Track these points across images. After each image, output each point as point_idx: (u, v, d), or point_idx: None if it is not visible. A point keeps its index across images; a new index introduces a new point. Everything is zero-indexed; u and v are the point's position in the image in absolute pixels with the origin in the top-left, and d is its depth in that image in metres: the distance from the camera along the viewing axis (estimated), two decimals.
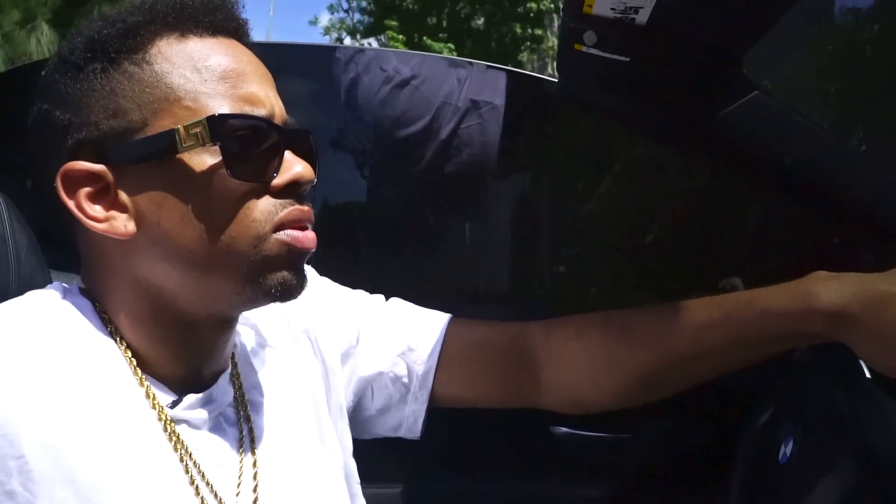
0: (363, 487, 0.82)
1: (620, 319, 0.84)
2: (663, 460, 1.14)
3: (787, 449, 0.79)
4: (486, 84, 1.31)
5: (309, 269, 0.81)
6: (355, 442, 0.84)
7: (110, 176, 0.59)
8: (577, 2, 0.74)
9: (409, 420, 0.88)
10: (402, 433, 0.89)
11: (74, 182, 0.59)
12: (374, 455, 0.88)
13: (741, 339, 0.75)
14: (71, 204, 0.59)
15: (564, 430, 1.13)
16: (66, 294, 0.64)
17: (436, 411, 0.88)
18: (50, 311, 0.61)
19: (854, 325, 0.68)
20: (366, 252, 1.35)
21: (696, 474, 1.10)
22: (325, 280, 0.88)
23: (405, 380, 0.86)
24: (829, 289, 0.70)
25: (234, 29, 0.63)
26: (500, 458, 1.17)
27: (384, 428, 0.89)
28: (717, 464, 1.01)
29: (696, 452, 1.12)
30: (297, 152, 0.63)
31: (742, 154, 0.98)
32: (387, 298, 0.92)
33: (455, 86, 1.29)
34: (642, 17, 0.74)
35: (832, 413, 0.78)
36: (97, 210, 0.59)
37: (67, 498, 0.54)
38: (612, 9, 0.73)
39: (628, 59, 0.81)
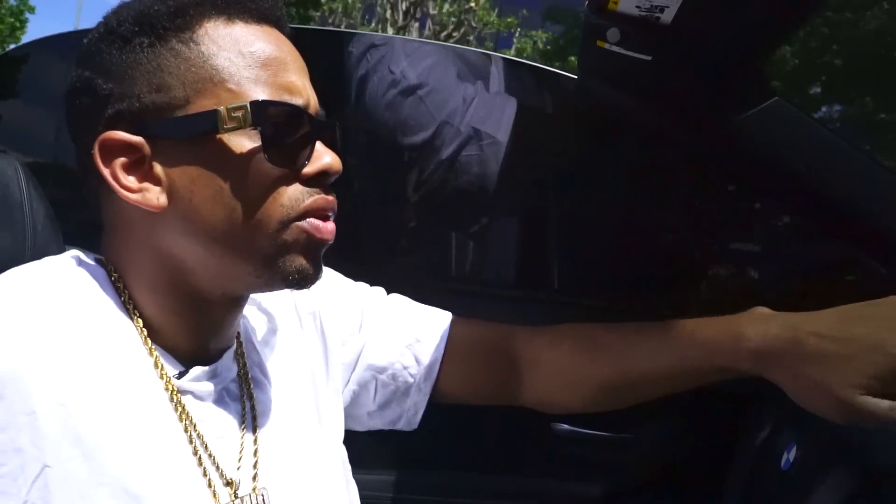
0: (359, 473, 0.83)
1: (588, 334, 0.88)
2: (664, 462, 1.15)
3: (789, 455, 0.79)
4: (492, 111, 1.30)
5: None
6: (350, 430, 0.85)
7: (147, 148, 0.60)
8: None
9: (409, 412, 0.89)
10: (400, 425, 0.90)
11: (111, 151, 0.60)
12: (370, 443, 0.89)
13: (684, 368, 0.78)
14: (106, 172, 0.60)
15: (566, 427, 1.13)
16: (81, 262, 0.65)
17: (436, 406, 0.89)
18: (65, 275, 0.62)
19: (778, 364, 0.70)
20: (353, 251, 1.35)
21: (697, 477, 1.10)
22: (330, 270, 0.90)
23: (412, 370, 0.87)
24: (758, 328, 0.72)
25: (276, 18, 0.65)
26: (499, 453, 1.18)
27: (383, 421, 0.90)
28: (717, 468, 1.01)
29: (696, 455, 1.13)
30: (325, 142, 0.64)
31: (758, 159, 0.98)
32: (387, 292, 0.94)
33: (460, 105, 1.28)
34: (667, 17, 0.74)
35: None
36: (131, 180, 0.60)
37: (74, 456, 0.55)
38: (638, 7, 0.73)
39: (650, 59, 0.81)
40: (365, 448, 0.86)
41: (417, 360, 0.88)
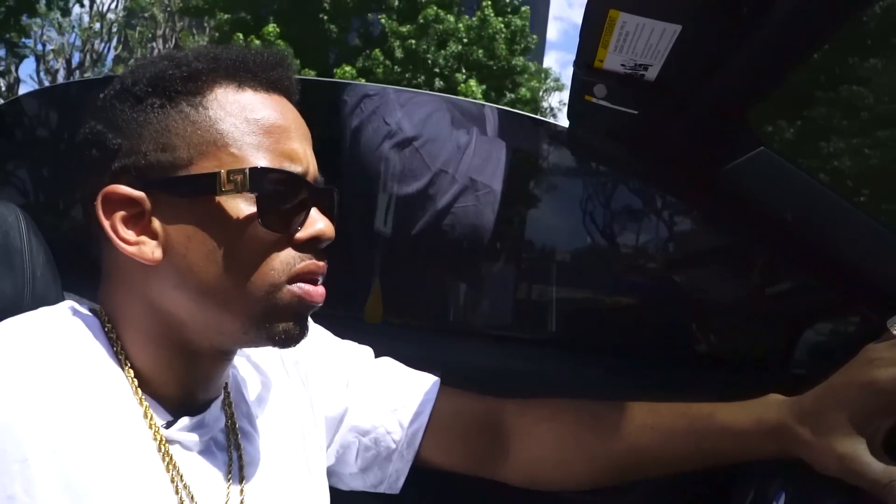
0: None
1: (593, 409, 0.88)
2: None
3: (779, 502, 0.79)
4: (489, 158, 1.31)
5: None
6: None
7: (148, 203, 0.63)
8: (588, 56, 0.76)
9: (391, 478, 0.90)
10: (382, 489, 0.91)
11: (113, 203, 0.63)
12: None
13: (700, 450, 0.81)
14: (106, 224, 0.63)
15: None
16: (76, 312, 0.67)
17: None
18: (59, 326, 0.64)
19: (795, 439, 0.73)
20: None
21: None
22: (319, 327, 0.91)
23: (395, 436, 0.88)
24: (773, 410, 0.76)
25: (285, 87, 0.68)
26: (489, 496, 1.17)
27: (365, 484, 0.91)
28: None
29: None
30: (321, 208, 0.67)
31: (745, 208, 1.00)
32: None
33: (455, 153, 1.30)
34: (651, 74, 0.76)
35: None
36: (130, 234, 0.63)
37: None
38: (623, 65, 0.75)
39: (637, 112, 0.84)
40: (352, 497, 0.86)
41: (401, 426, 0.88)
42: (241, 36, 13.40)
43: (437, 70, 13.54)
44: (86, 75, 17.09)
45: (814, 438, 0.71)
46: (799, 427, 0.73)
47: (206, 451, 0.68)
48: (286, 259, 0.64)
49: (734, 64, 0.76)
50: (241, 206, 0.63)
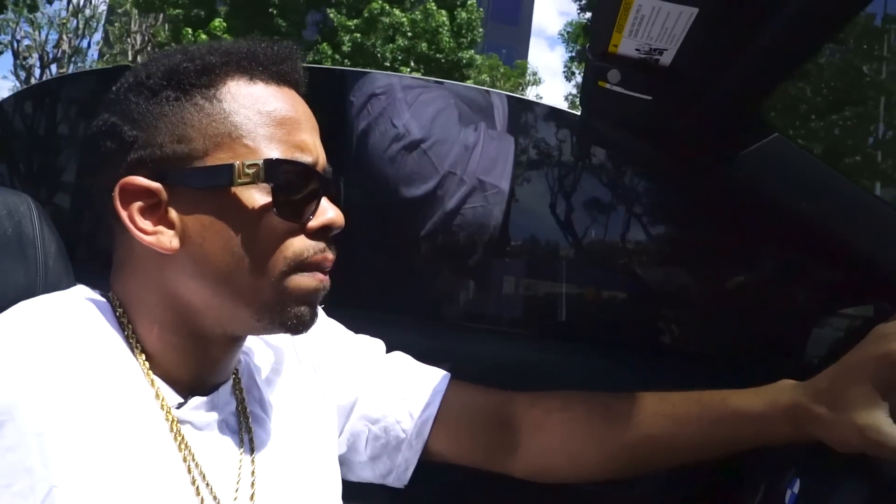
0: None
1: (605, 400, 0.89)
2: (665, 500, 1.14)
3: (793, 490, 0.79)
4: (498, 158, 1.31)
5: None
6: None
7: (165, 194, 0.64)
8: (602, 41, 0.76)
9: (399, 468, 0.90)
10: (390, 480, 0.92)
11: (130, 195, 0.64)
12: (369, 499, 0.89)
13: (713, 436, 0.81)
14: (124, 214, 0.64)
15: None
16: (88, 296, 0.69)
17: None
18: (72, 308, 0.66)
19: (812, 420, 0.73)
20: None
21: None
22: (332, 321, 0.92)
23: (404, 425, 0.89)
24: (787, 394, 0.77)
25: (294, 80, 0.70)
26: (498, 491, 1.17)
27: (374, 474, 0.92)
28: None
29: (701, 496, 1.12)
30: (330, 198, 0.69)
31: (759, 196, 0.99)
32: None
33: (462, 153, 1.30)
34: (666, 59, 0.76)
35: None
36: (147, 223, 0.64)
37: (80, 478, 0.57)
38: (637, 49, 0.75)
39: (650, 98, 0.83)
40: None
41: (411, 416, 0.89)
42: (189, 31, 13.48)
43: (386, 64, 13.60)
44: (61, 71, 17.26)
45: (832, 414, 0.72)
46: (816, 406, 0.73)
47: (217, 432, 0.69)
48: (300, 247, 0.66)
49: (750, 48, 0.75)
50: (257, 197, 0.64)
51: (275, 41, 0.70)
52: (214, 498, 0.65)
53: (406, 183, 1.31)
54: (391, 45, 13.97)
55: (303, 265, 0.66)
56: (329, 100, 1.37)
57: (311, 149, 0.67)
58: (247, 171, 0.63)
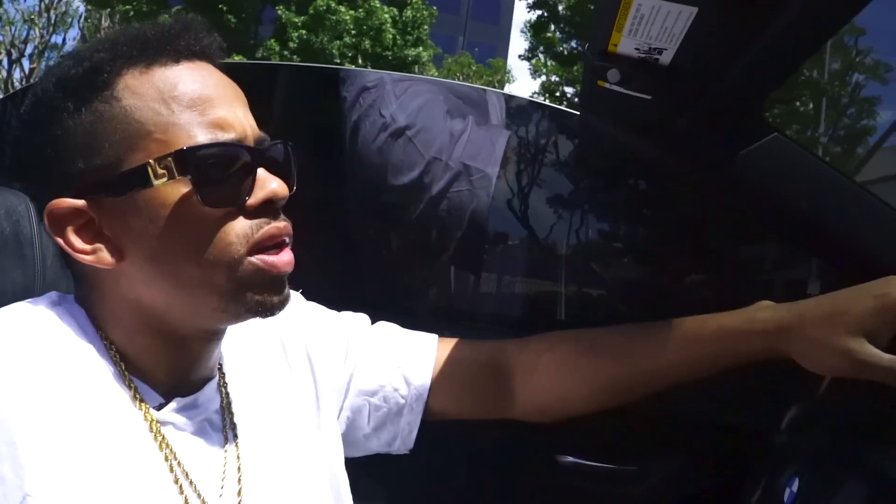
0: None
1: (590, 335, 0.92)
2: (670, 497, 1.14)
3: (792, 488, 0.79)
4: (485, 145, 1.31)
5: (296, 295, 0.87)
6: (348, 461, 0.86)
7: (93, 210, 0.62)
8: (602, 41, 0.76)
9: (403, 432, 0.91)
10: (396, 446, 0.92)
11: (61, 218, 0.62)
12: (368, 477, 0.89)
13: (693, 355, 0.84)
14: (60, 241, 0.62)
15: (570, 459, 1.13)
16: (60, 300, 0.67)
17: (437, 440, 0.90)
18: (42, 314, 0.64)
19: (786, 336, 0.77)
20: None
21: None
22: (313, 304, 0.92)
23: (402, 392, 0.90)
24: (767, 311, 0.81)
25: (199, 51, 0.65)
26: (502, 487, 1.17)
27: (379, 443, 0.92)
28: None
29: (703, 492, 1.12)
30: (272, 168, 0.65)
31: (759, 196, 0.99)
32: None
33: (448, 141, 1.30)
34: (666, 58, 0.75)
35: (837, 445, 0.79)
36: (83, 244, 0.62)
37: (55, 486, 0.56)
38: (637, 49, 0.75)
39: (650, 98, 0.83)
40: (359, 487, 0.86)
41: (407, 382, 0.90)
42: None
43: (336, 61, 13.62)
44: (32, 66, 17.28)
45: (818, 334, 0.75)
46: (801, 324, 0.76)
47: (200, 432, 0.68)
48: (242, 230, 0.63)
49: (750, 48, 0.75)
50: (179, 191, 0.61)
51: (173, 19, 0.65)
52: (199, 496, 0.64)
53: (394, 171, 1.32)
54: (338, 41, 13.95)
55: (257, 247, 0.63)
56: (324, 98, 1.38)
57: (231, 124, 0.62)
58: (161, 167, 0.60)
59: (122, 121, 0.60)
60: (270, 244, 0.64)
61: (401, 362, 0.90)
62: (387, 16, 14.35)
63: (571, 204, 1.37)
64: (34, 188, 0.65)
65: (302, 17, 14.09)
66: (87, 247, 0.62)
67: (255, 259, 0.63)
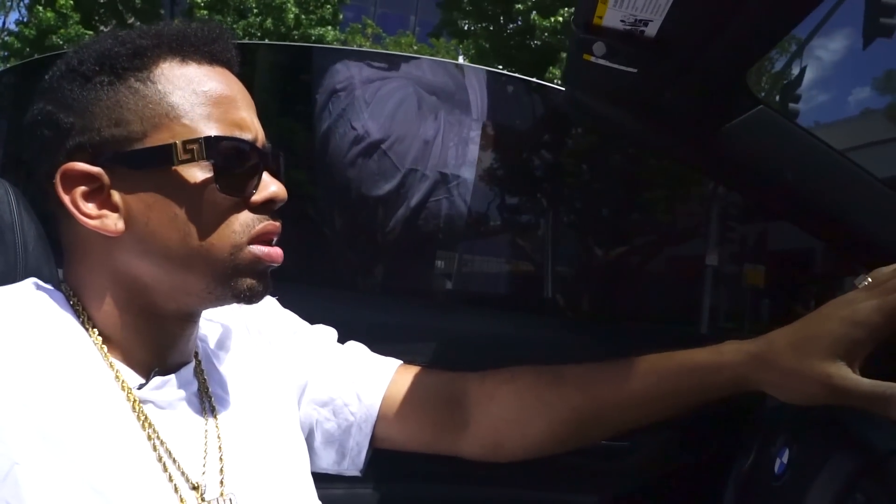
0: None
1: (553, 368, 0.91)
2: (661, 471, 1.15)
3: (782, 459, 0.80)
4: (458, 145, 1.31)
5: (271, 300, 0.91)
6: None
7: (106, 178, 0.65)
8: (587, 13, 0.75)
9: (352, 452, 0.91)
10: (345, 466, 0.92)
11: (72, 180, 0.65)
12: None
13: (658, 389, 0.84)
14: (67, 200, 0.65)
15: None
16: (39, 286, 0.69)
17: None
18: (23, 298, 0.67)
19: (756, 368, 0.78)
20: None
21: (692, 488, 1.11)
22: (287, 311, 0.95)
23: (353, 408, 0.90)
24: (733, 344, 0.82)
25: (227, 60, 0.71)
26: (493, 464, 1.17)
27: (328, 461, 0.92)
28: (715, 478, 1.01)
29: (692, 466, 1.13)
30: (271, 172, 0.71)
31: (745, 168, 0.99)
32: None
33: (422, 148, 1.30)
34: (651, 30, 0.75)
35: (827, 417, 0.80)
36: (90, 208, 0.65)
37: (42, 455, 0.58)
38: (622, 21, 0.74)
39: (636, 71, 0.82)
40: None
41: (358, 398, 0.90)
42: (39, 9, 13.06)
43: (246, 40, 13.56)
44: None
45: (791, 363, 0.75)
46: (773, 354, 0.77)
47: (180, 411, 0.70)
48: (245, 221, 0.68)
49: (735, 19, 0.74)
50: (199, 174, 0.65)
51: (205, 22, 0.71)
52: (182, 473, 0.66)
53: (369, 183, 1.32)
54: (243, 21, 13.88)
55: (255, 238, 0.68)
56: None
57: (249, 126, 0.69)
58: (187, 149, 0.64)
59: (154, 100, 0.65)
60: (265, 239, 0.69)
61: (356, 379, 0.91)
62: None
63: (556, 181, 1.37)
64: (46, 148, 0.66)
65: None
66: (94, 212, 0.65)
67: (254, 248, 0.68)
